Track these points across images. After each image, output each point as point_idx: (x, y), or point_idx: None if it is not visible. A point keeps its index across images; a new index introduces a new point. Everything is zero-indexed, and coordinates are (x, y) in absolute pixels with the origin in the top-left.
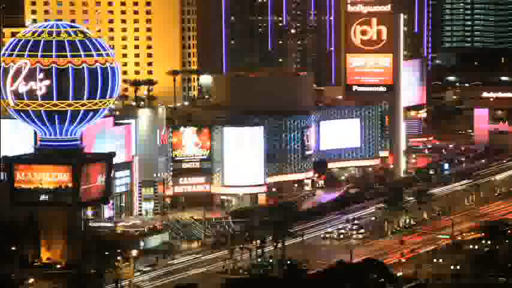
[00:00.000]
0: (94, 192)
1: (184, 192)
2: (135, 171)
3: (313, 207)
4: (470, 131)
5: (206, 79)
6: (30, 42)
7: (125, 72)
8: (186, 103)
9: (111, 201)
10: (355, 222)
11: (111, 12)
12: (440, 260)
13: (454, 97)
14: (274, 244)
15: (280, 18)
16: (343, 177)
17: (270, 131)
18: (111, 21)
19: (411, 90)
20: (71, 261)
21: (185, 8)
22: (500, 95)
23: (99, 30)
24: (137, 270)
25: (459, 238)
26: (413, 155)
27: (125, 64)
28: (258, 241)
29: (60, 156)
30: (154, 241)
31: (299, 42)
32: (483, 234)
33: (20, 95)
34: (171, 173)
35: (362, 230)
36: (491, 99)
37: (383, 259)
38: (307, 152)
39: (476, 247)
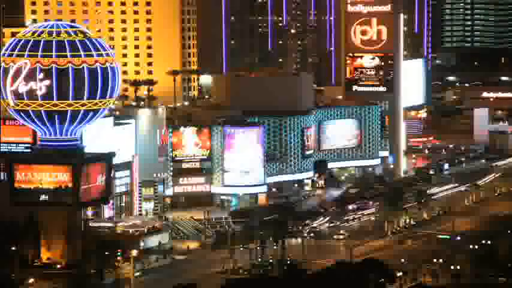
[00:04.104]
0: (94, 192)
1: (184, 192)
2: (135, 171)
3: (313, 207)
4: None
5: (206, 79)
6: (30, 42)
7: (125, 72)
8: (186, 103)
9: (111, 201)
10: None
11: (111, 12)
12: (440, 260)
13: (454, 97)
14: (274, 244)
15: (280, 18)
16: (343, 177)
17: (270, 131)
18: (111, 21)
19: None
20: (71, 261)
21: (185, 8)
22: (500, 95)
23: (99, 30)
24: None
25: (459, 238)
26: (413, 155)
27: (125, 64)
28: (258, 241)
29: (60, 156)
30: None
31: (299, 42)
32: None
33: (20, 95)
34: (171, 173)
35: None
36: (491, 99)
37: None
38: (307, 152)
39: (476, 247)
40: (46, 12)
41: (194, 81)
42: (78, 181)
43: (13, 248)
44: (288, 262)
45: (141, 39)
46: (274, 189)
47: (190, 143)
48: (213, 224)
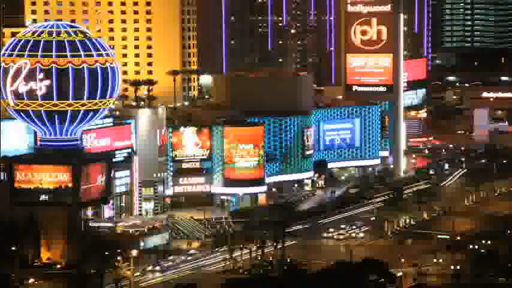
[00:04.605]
0: (94, 192)
1: (184, 192)
2: (135, 171)
3: (313, 207)
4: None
5: (206, 79)
6: (30, 42)
7: (125, 72)
8: (186, 103)
9: (111, 201)
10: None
11: (111, 12)
12: (440, 260)
13: (454, 97)
14: (274, 244)
15: (280, 18)
16: (343, 177)
17: (270, 131)
18: (111, 21)
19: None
20: (71, 261)
21: (185, 8)
22: (500, 95)
23: (99, 30)
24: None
25: (459, 238)
26: (413, 155)
27: (125, 64)
28: (258, 241)
29: (60, 156)
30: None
31: (299, 42)
32: None
33: (20, 95)
34: (171, 173)
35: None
36: (491, 99)
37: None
38: (307, 152)
39: (476, 247)
40: (46, 12)
41: (194, 81)
42: (78, 181)
43: (13, 248)
44: (288, 262)
45: (141, 39)
46: (274, 189)
47: (190, 143)
48: (213, 224)
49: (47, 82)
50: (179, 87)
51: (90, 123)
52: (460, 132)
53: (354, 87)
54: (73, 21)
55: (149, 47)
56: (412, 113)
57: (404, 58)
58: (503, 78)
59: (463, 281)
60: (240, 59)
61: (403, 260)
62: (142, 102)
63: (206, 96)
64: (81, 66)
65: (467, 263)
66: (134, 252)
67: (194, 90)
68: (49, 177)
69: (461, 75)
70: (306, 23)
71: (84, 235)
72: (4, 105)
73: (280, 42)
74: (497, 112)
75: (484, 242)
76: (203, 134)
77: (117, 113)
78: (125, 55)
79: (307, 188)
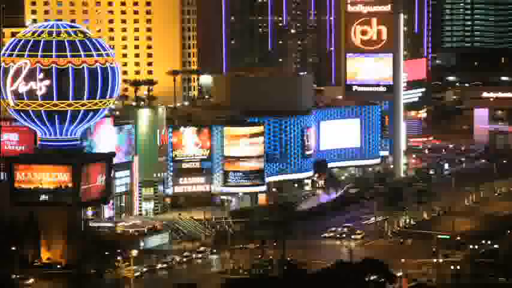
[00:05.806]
0: (94, 192)
1: (184, 192)
2: (135, 171)
3: (313, 207)
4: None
5: (206, 79)
6: (30, 42)
7: (125, 72)
8: (186, 103)
9: (111, 201)
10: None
11: (111, 12)
12: (440, 260)
13: (454, 97)
14: (274, 244)
15: (280, 18)
16: (343, 177)
17: (270, 131)
18: (111, 21)
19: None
20: (71, 261)
21: (185, 8)
22: (500, 95)
23: (99, 30)
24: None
25: (459, 238)
26: (413, 155)
27: (125, 64)
28: (258, 241)
29: (60, 156)
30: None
31: (299, 42)
32: None
33: (20, 95)
34: (171, 173)
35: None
36: (491, 99)
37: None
38: (307, 152)
39: (476, 247)
40: (46, 12)
41: (194, 81)
42: (78, 181)
43: (13, 248)
44: (288, 262)
45: (141, 39)
46: (274, 189)
47: (190, 143)
48: (213, 224)
49: (47, 82)
50: (179, 87)
51: (90, 123)
52: (460, 132)
53: (354, 87)
54: (73, 21)
55: (149, 47)
56: (412, 113)
57: (404, 58)
58: (503, 78)
59: (463, 281)
60: (240, 59)
61: (403, 259)
62: (142, 102)
63: (206, 96)
64: (81, 66)
65: (467, 263)
66: (134, 252)
67: (194, 90)
68: (49, 177)
69: (461, 75)
70: (306, 23)
71: (84, 235)
72: (4, 105)
73: (280, 42)
74: (497, 112)
75: (484, 242)
76: (203, 134)
77: (117, 113)
78: (125, 55)
79: (307, 188)
